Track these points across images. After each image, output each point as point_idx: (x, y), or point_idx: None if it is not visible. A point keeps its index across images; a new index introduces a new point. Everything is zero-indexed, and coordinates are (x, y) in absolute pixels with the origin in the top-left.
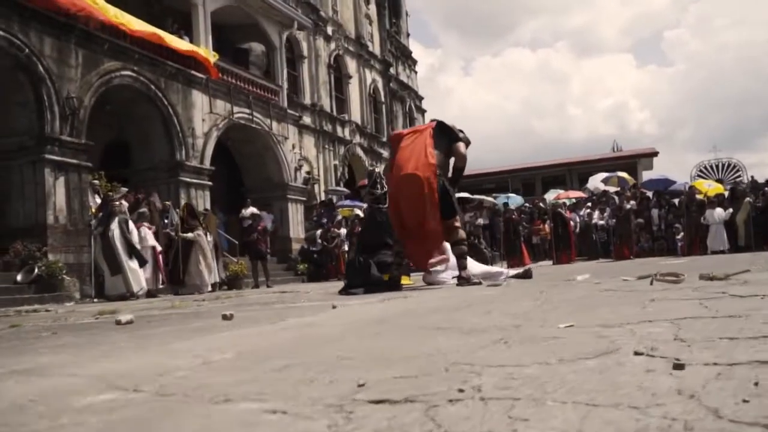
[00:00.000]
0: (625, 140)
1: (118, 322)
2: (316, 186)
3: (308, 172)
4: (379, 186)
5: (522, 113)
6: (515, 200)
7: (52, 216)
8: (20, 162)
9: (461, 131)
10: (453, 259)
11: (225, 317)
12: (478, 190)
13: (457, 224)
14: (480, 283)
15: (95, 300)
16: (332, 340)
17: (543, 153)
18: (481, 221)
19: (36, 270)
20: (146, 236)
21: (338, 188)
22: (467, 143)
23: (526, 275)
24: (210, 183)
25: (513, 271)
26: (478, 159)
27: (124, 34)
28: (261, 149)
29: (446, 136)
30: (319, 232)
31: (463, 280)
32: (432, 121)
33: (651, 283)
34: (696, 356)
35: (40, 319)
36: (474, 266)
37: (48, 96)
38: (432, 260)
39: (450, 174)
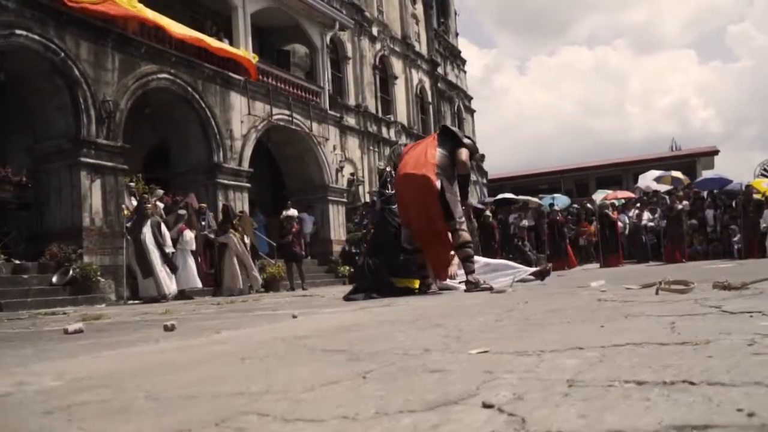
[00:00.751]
0: (687, 139)
1: (66, 331)
2: (360, 187)
3: (352, 174)
4: (389, 185)
5: (578, 113)
6: (562, 201)
7: (87, 218)
8: (58, 165)
9: (468, 137)
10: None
11: (166, 328)
12: (531, 190)
13: (460, 227)
14: (490, 288)
15: (129, 302)
16: (191, 366)
17: (600, 153)
18: (525, 223)
19: (71, 272)
20: (189, 239)
21: (383, 190)
22: (473, 151)
23: (542, 275)
24: (248, 185)
25: (522, 274)
26: (533, 160)
27: (162, 38)
28: (301, 151)
29: (450, 140)
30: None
31: (471, 285)
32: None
33: (656, 293)
34: (554, 416)
35: (20, 325)
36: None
37: (84, 99)
38: (452, 268)
39: (456, 182)
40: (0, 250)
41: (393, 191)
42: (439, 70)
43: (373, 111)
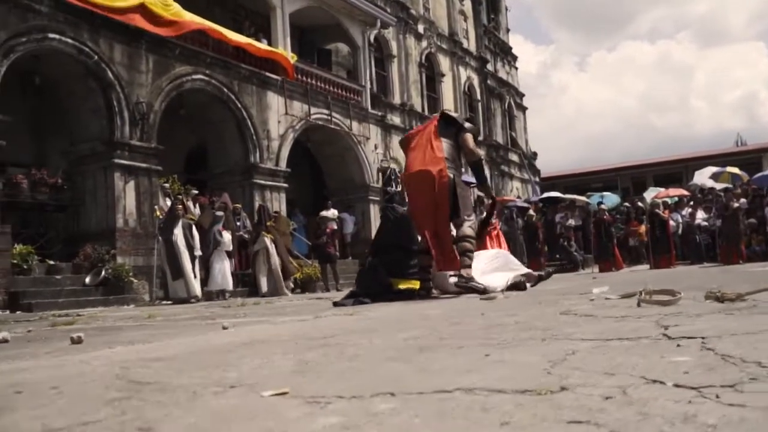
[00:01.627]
0: (754, 134)
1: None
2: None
3: (399, 173)
4: (393, 184)
5: (640, 109)
6: (611, 199)
7: (121, 219)
8: (93, 167)
9: (467, 120)
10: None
11: (73, 341)
12: (585, 189)
13: (465, 221)
14: (483, 289)
15: (163, 302)
16: None
17: (664, 150)
18: (572, 222)
19: (103, 273)
20: (227, 241)
21: (386, 188)
22: (475, 134)
23: (536, 280)
24: (285, 185)
25: (511, 280)
26: (591, 158)
27: (198, 39)
28: (341, 150)
29: (453, 127)
30: None
31: (462, 281)
32: (435, 115)
33: (638, 305)
34: None
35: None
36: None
37: (117, 102)
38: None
39: (466, 170)
40: (35, 251)
41: (396, 189)
42: (489, 67)
43: (419, 109)
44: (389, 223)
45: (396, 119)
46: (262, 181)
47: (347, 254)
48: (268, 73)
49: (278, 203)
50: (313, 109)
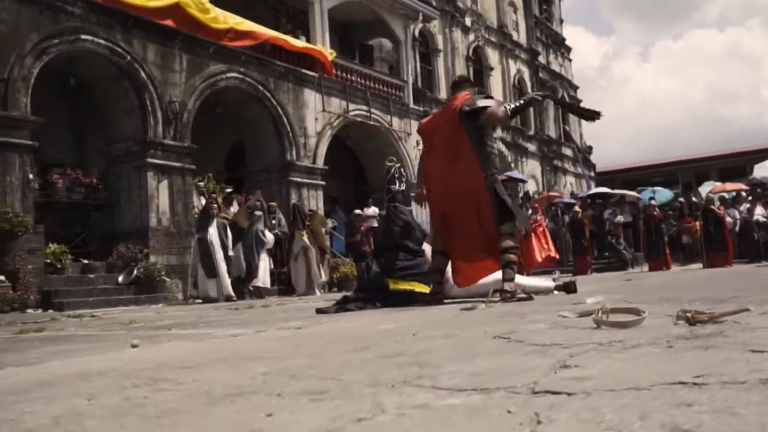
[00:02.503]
0: None
1: None
2: None
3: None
4: (396, 182)
5: (707, 100)
6: (663, 194)
7: (154, 218)
8: (127, 167)
9: (488, 95)
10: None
11: None
12: (645, 183)
13: (510, 230)
14: (531, 299)
15: (196, 301)
16: None
17: (731, 142)
18: (620, 219)
19: (135, 272)
20: (270, 240)
21: (389, 186)
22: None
23: (569, 289)
24: (323, 182)
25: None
26: (655, 151)
27: (233, 38)
28: (382, 146)
29: (474, 118)
30: None
31: (507, 295)
32: (452, 103)
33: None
34: None
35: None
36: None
37: (151, 101)
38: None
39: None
40: (70, 250)
41: (400, 188)
42: (541, 59)
43: None
44: (391, 223)
45: None
46: (299, 179)
47: None
48: (304, 70)
49: (315, 201)
50: (352, 106)
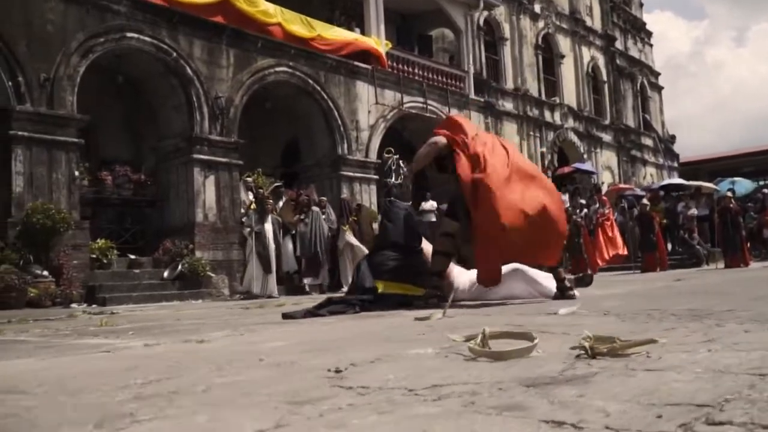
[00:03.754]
0: None
1: None
2: None
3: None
4: (393, 175)
5: None
6: (743, 185)
7: (201, 214)
8: (176, 163)
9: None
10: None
11: None
12: (734, 173)
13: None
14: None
15: (242, 297)
16: None
17: None
18: (694, 212)
19: (179, 267)
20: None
21: (387, 180)
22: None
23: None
24: (376, 176)
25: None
26: (750, 140)
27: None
28: None
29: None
30: None
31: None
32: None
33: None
34: None
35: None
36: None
37: (197, 97)
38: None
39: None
40: (117, 246)
41: (397, 181)
42: (618, 45)
43: (535, 94)
44: (385, 219)
45: (508, 105)
46: (351, 173)
47: None
48: (357, 63)
49: (368, 196)
50: (407, 98)
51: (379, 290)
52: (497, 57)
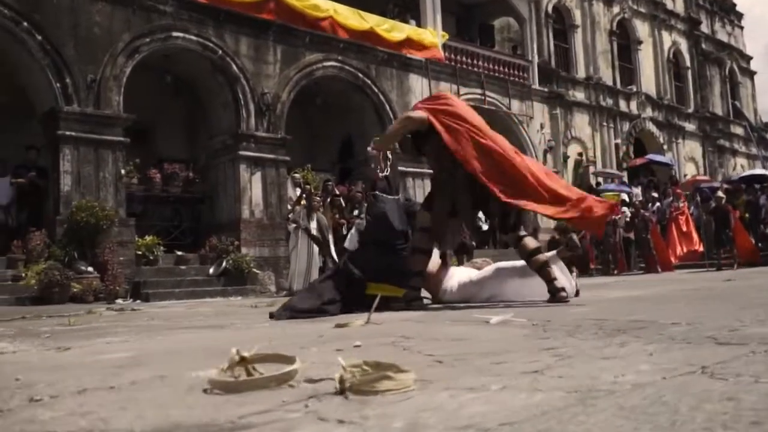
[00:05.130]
0: None
1: None
2: (591, 168)
3: (580, 154)
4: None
5: None
6: None
7: (247, 211)
8: (224, 160)
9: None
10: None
11: None
12: None
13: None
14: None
15: (285, 294)
16: None
17: None
18: None
19: (224, 264)
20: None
21: (607, 170)
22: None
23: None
24: (431, 171)
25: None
26: None
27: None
28: (501, 132)
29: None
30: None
31: (562, 296)
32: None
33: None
34: None
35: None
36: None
37: (243, 94)
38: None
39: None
40: (163, 242)
41: (384, 173)
42: (704, 28)
43: (609, 82)
44: (369, 215)
45: (579, 95)
46: (404, 168)
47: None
48: (409, 55)
49: (422, 191)
50: (464, 90)
51: (371, 291)
52: (567, 45)
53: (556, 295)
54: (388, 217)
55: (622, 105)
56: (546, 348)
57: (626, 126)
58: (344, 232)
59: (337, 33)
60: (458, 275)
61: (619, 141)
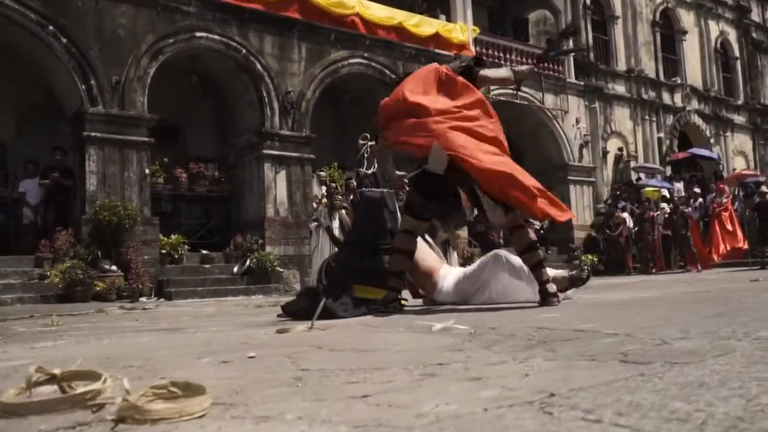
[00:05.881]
0: None
1: None
2: (632, 163)
3: (620, 149)
4: (365, 163)
5: None
6: None
7: (272, 209)
8: (249, 159)
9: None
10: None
11: None
12: None
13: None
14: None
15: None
16: None
17: None
18: None
19: (248, 262)
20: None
21: (648, 165)
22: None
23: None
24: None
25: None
26: None
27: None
28: (535, 127)
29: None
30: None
31: (554, 299)
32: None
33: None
34: None
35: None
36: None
37: (267, 93)
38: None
39: None
40: (193, 241)
41: (369, 170)
42: (753, 16)
43: (652, 75)
44: (358, 211)
45: (619, 88)
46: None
47: (545, 241)
48: (438, 50)
49: None
50: (495, 85)
51: (356, 294)
52: (607, 37)
53: (546, 300)
54: (374, 216)
55: (666, 98)
56: (433, 363)
57: (670, 119)
58: None
59: (364, 30)
60: (454, 274)
61: (662, 135)
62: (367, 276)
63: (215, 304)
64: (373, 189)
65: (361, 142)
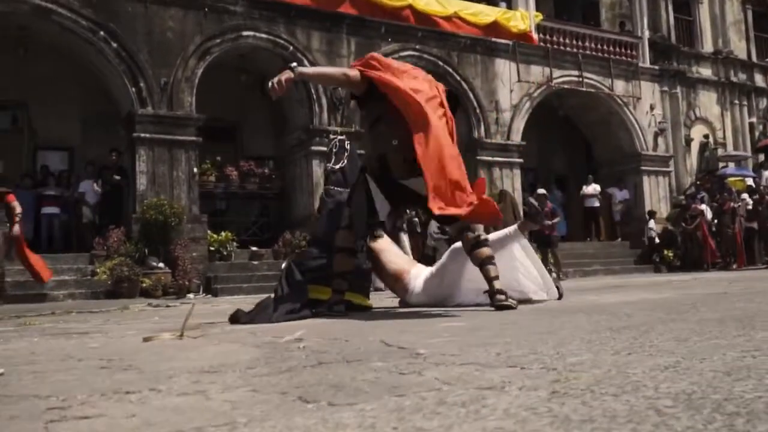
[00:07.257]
0: None
1: None
2: (719, 151)
3: (705, 136)
4: (334, 158)
5: None
6: None
7: (317, 205)
8: (298, 156)
9: None
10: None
11: None
12: None
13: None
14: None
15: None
16: None
17: None
18: None
19: None
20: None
21: (737, 152)
22: None
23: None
24: (520, 160)
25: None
26: None
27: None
28: (605, 115)
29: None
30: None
31: (501, 299)
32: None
33: None
34: None
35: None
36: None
37: (315, 89)
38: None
39: None
40: (242, 238)
41: (338, 165)
42: None
43: (743, 56)
44: (326, 212)
45: (704, 71)
46: (489, 158)
47: (616, 235)
48: (495, 39)
49: (510, 181)
50: (558, 72)
51: (311, 294)
52: (690, 18)
53: (493, 299)
54: (335, 214)
55: (758, 80)
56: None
57: (763, 102)
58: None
59: (417, 21)
60: (423, 274)
61: (754, 120)
62: (323, 276)
63: (243, 302)
64: (338, 188)
65: (331, 136)
